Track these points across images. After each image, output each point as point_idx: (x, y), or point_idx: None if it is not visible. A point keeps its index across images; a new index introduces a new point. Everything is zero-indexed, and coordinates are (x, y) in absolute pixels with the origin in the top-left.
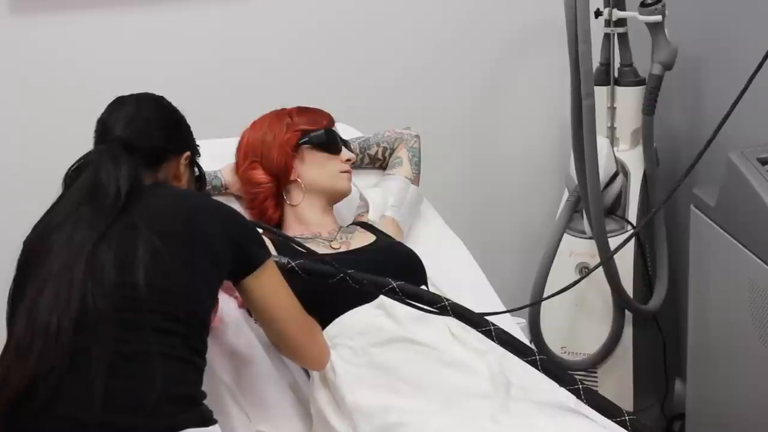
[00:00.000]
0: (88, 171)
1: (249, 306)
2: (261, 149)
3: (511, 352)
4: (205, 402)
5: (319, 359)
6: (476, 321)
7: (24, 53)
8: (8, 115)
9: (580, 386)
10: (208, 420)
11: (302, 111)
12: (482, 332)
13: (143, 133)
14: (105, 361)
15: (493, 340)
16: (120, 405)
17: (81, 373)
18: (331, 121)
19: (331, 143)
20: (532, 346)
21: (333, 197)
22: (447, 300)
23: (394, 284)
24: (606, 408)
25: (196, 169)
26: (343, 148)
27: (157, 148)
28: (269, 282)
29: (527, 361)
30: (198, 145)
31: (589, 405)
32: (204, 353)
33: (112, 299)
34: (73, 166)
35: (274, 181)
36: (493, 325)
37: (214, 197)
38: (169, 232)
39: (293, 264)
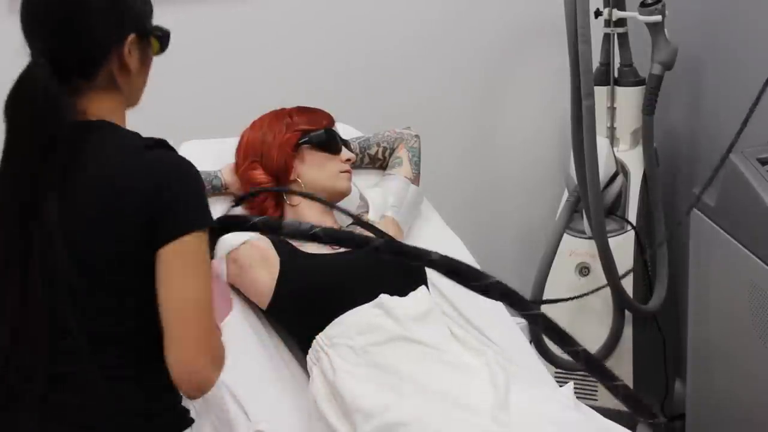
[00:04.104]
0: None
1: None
2: (261, 149)
3: (554, 341)
4: (198, 402)
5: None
6: (524, 304)
7: (24, 53)
8: None
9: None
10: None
11: (302, 111)
12: (527, 317)
13: (64, 40)
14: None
15: (539, 329)
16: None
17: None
18: (331, 121)
19: (331, 143)
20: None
21: (333, 197)
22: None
23: (437, 256)
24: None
25: (153, 38)
26: (343, 148)
27: (85, 57)
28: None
29: (568, 352)
30: (146, 5)
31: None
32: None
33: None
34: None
35: (274, 181)
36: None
37: (214, 197)
38: (89, 257)
39: (317, 230)
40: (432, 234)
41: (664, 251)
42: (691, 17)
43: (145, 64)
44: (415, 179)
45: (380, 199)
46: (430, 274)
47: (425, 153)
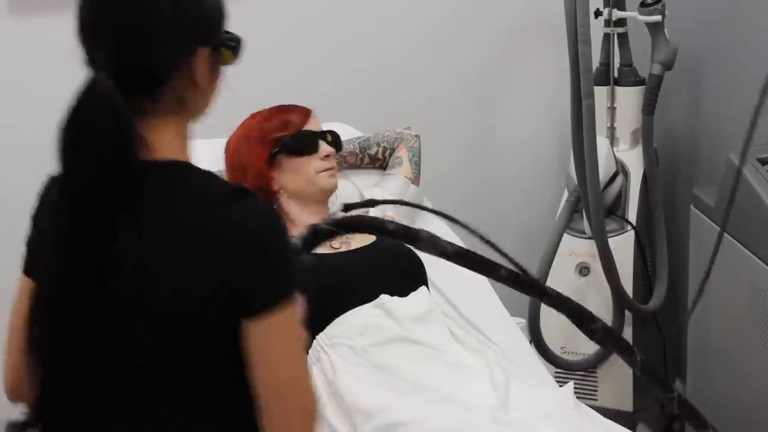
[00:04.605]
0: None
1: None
2: (240, 164)
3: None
4: None
5: None
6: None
7: (24, 53)
8: (8, 115)
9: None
10: None
11: (273, 114)
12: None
13: (129, 53)
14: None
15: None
16: None
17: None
18: (304, 118)
19: (302, 145)
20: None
21: (319, 197)
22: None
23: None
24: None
25: (225, 48)
26: (322, 144)
27: (152, 74)
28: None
29: (628, 361)
30: (221, 11)
31: None
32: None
33: None
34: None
35: (261, 192)
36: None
37: None
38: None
39: (454, 249)
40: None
41: (664, 251)
42: (691, 17)
43: (214, 78)
44: (415, 179)
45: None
46: (430, 274)
47: (425, 153)
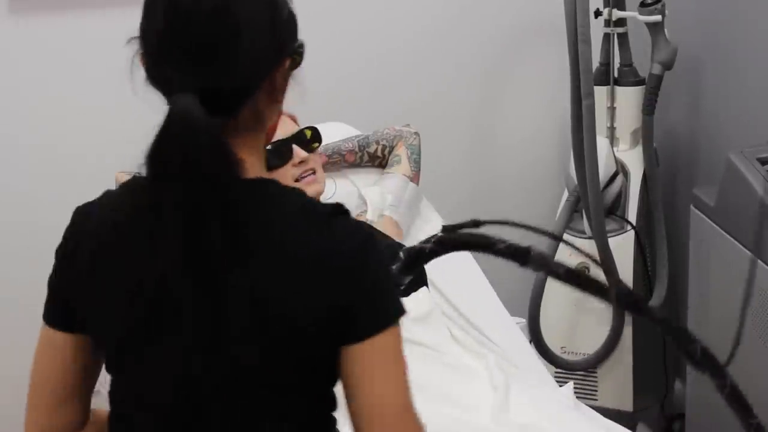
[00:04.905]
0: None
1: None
2: None
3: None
4: None
5: None
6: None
7: (24, 53)
8: (8, 115)
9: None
10: None
11: None
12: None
13: (212, 68)
14: None
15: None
16: None
17: None
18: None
19: (272, 160)
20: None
21: None
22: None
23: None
24: None
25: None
26: (295, 149)
27: (235, 90)
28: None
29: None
30: (295, 17)
31: None
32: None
33: None
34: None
35: None
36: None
37: None
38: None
39: (565, 269)
40: (432, 234)
41: (664, 251)
42: (691, 17)
43: (286, 87)
44: (415, 177)
45: (378, 198)
46: (430, 274)
47: (425, 152)
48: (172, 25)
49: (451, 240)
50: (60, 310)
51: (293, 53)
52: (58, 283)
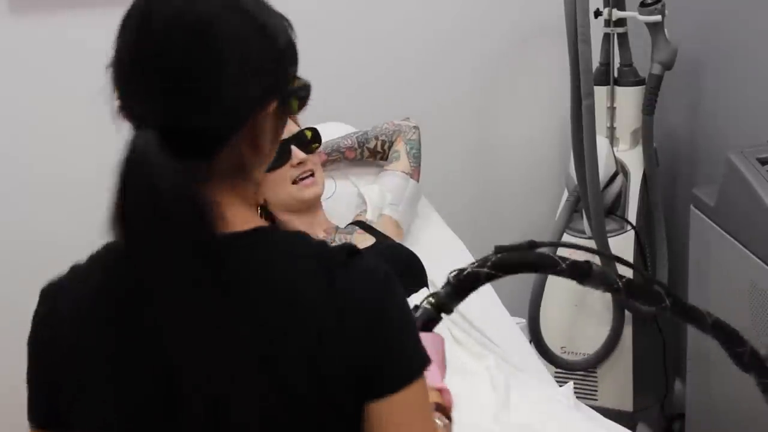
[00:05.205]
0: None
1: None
2: None
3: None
4: None
5: None
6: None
7: (24, 53)
8: (8, 115)
9: None
10: None
11: None
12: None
13: (185, 104)
14: None
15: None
16: None
17: None
18: None
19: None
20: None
21: (305, 206)
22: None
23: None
24: None
25: (294, 98)
26: (294, 150)
27: (209, 131)
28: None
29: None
30: (294, 53)
31: None
32: None
33: None
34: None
35: (261, 209)
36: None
37: None
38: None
39: (621, 284)
40: (432, 234)
41: (664, 251)
42: (691, 17)
43: (279, 134)
44: (414, 173)
45: (378, 198)
46: (430, 274)
47: (426, 152)
48: (143, 45)
49: (509, 262)
50: (46, 407)
51: (287, 95)
52: (37, 377)
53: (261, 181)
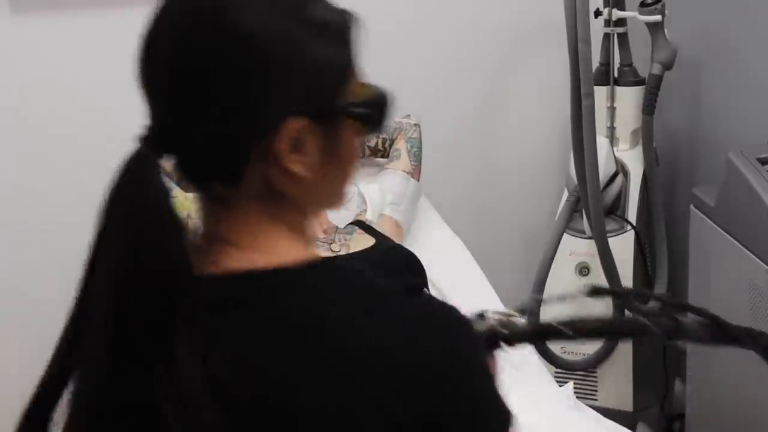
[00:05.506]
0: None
1: None
2: None
3: None
4: None
5: None
6: None
7: (24, 53)
8: (8, 115)
9: None
10: None
11: None
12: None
13: (185, 117)
14: None
15: None
16: None
17: None
18: None
19: None
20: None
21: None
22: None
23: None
24: None
25: (349, 118)
26: None
27: (213, 150)
28: None
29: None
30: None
31: None
32: None
33: None
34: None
35: None
36: None
37: None
38: None
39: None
40: (432, 234)
41: (664, 251)
42: (691, 17)
43: (337, 156)
44: (415, 171)
45: (378, 197)
46: (430, 274)
47: (426, 151)
48: (142, 60)
49: (594, 328)
50: None
51: (324, 114)
52: None
53: (311, 214)
